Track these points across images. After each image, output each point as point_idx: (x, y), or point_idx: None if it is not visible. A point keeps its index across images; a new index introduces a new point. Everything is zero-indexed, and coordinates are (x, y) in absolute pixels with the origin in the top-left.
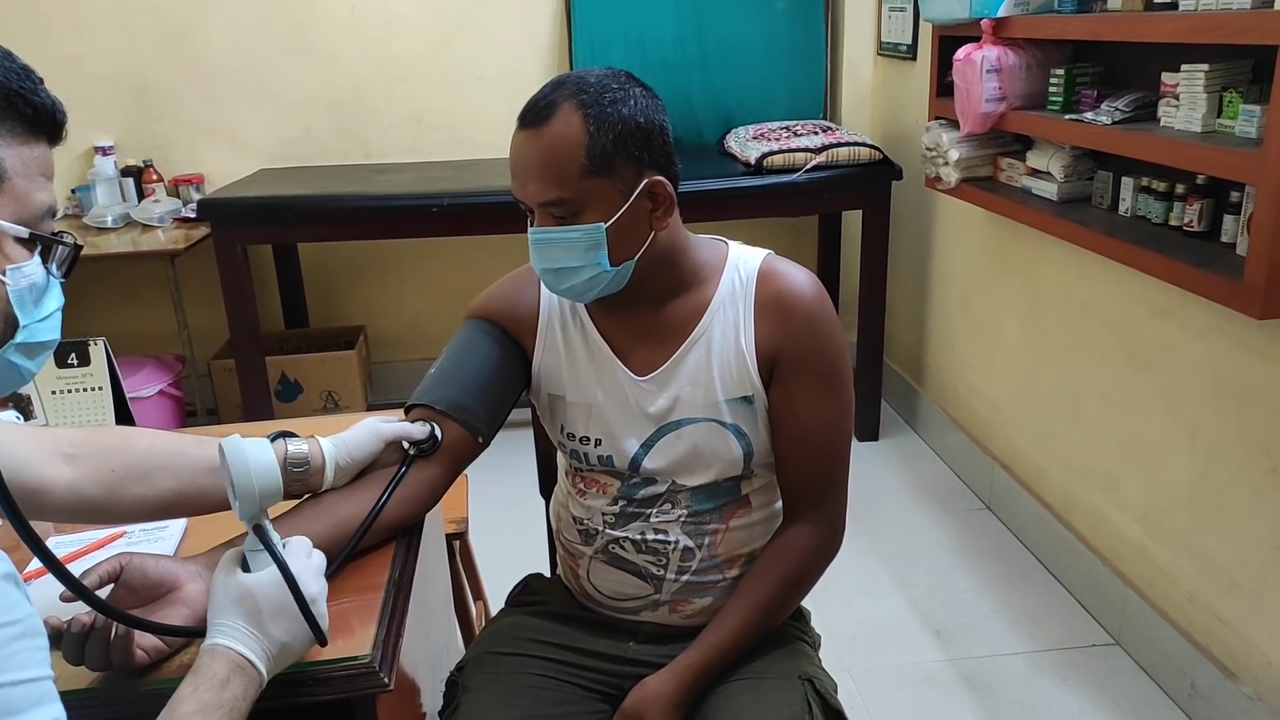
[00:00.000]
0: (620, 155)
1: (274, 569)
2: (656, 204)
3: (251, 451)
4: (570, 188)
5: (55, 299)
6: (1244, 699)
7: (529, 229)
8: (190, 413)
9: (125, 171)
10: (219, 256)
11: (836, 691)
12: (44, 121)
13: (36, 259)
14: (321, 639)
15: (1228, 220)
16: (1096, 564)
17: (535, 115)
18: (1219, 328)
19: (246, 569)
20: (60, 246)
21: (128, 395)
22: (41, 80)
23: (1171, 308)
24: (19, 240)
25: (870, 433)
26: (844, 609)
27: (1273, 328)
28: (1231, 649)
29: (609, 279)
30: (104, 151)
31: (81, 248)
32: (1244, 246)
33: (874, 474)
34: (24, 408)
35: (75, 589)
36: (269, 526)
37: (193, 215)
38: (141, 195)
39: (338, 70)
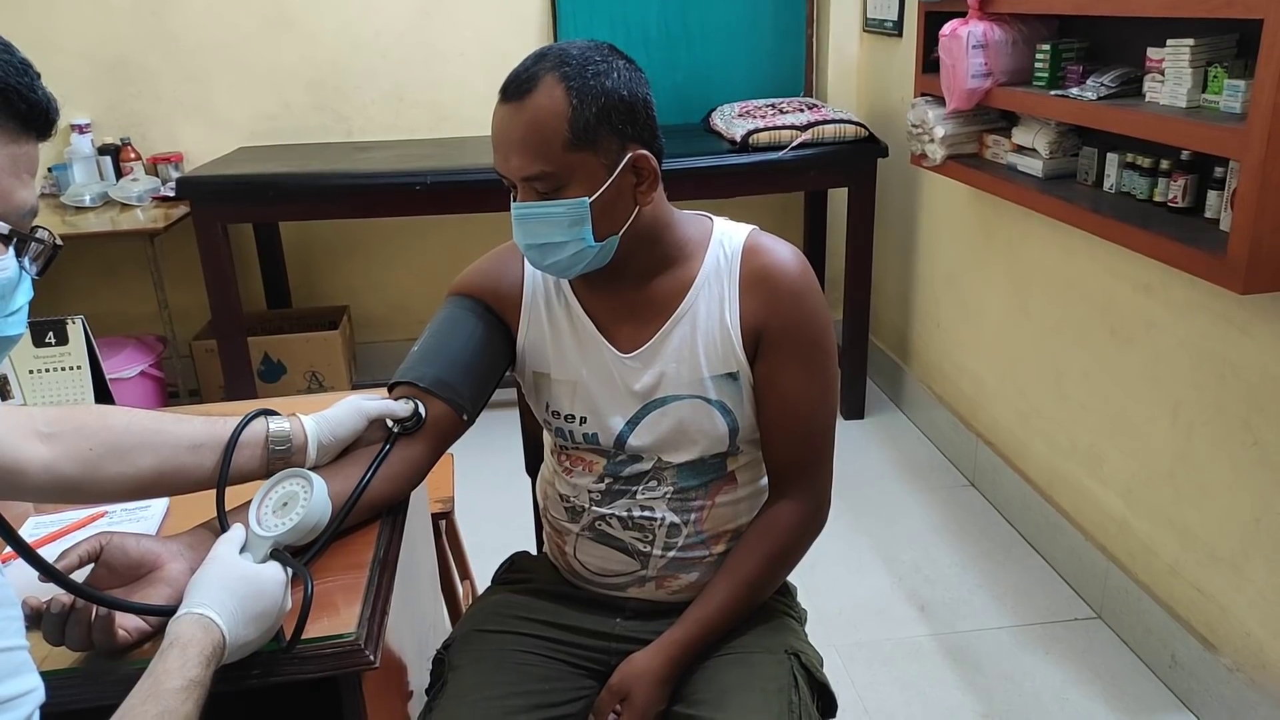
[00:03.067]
0: (604, 128)
1: (277, 566)
2: (641, 178)
3: (320, 488)
4: (553, 161)
5: (24, 294)
6: (1223, 670)
7: (512, 204)
8: (172, 394)
9: (102, 150)
10: (199, 236)
11: (822, 665)
12: (37, 119)
13: (11, 254)
14: (285, 646)
15: (1211, 196)
16: (1079, 538)
17: (517, 88)
18: (1201, 303)
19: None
20: (37, 243)
21: (108, 376)
22: (39, 75)
23: (1155, 284)
24: None
25: (856, 411)
26: (829, 585)
27: (1254, 303)
28: (1211, 621)
29: (593, 254)
30: (80, 129)
31: (61, 246)
32: (1227, 222)
33: (859, 452)
34: (1, 387)
35: (48, 572)
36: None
37: (172, 194)
38: (119, 174)
39: (317, 46)
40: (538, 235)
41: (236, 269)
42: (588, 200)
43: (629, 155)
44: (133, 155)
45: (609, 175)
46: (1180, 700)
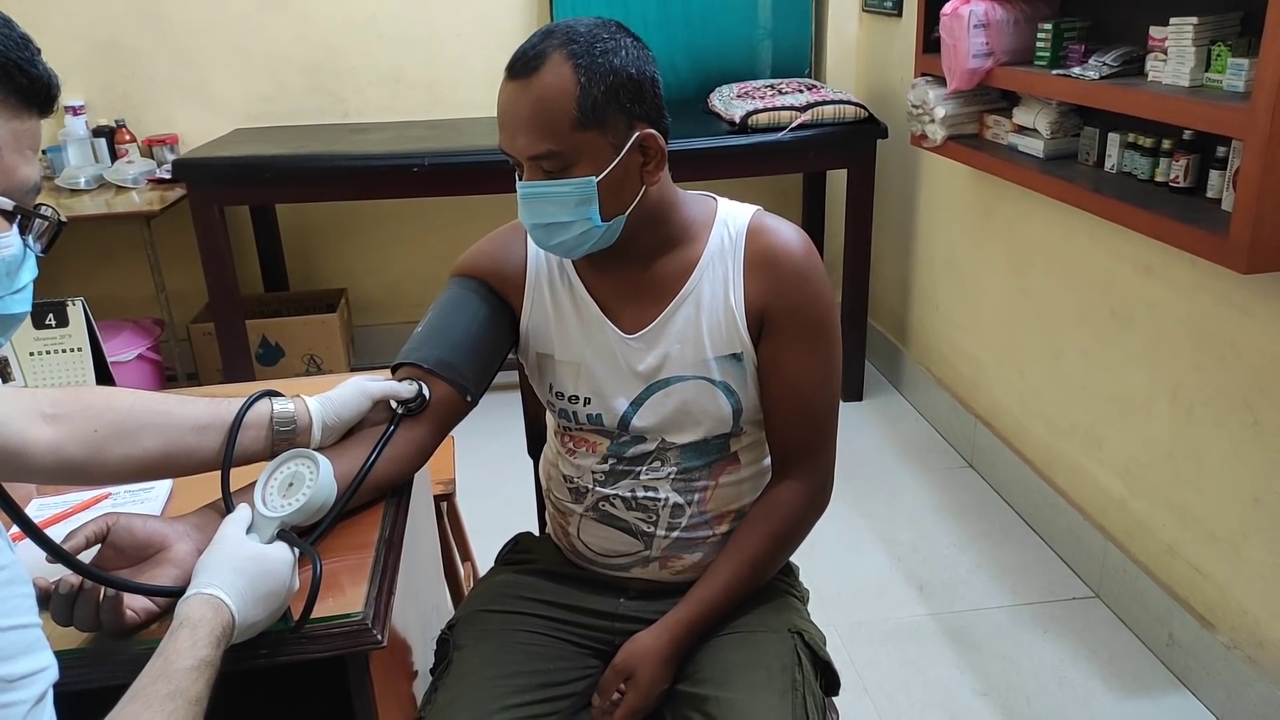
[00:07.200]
0: (612, 107)
1: (285, 546)
2: (648, 158)
3: (326, 469)
4: (560, 140)
5: (29, 271)
6: (1220, 648)
7: (518, 183)
8: (170, 377)
9: (97, 132)
10: (195, 218)
11: (825, 644)
12: (38, 94)
13: (15, 231)
14: (293, 626)
15: (1213, 176)
16: (1077, 518)
17: (524, 65)
18: (1202, 284)
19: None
20: (40, 220)
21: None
22: (39, 50)
23: (1155, 264)
24: (0, 212)
25: (854, 393)
26: (828, 566)
27: (1255, 283)
28: (1209, 599)
29: (600, 234)
30: (74, 111)
31: (65, 223)
32: (1229, 202)
33: (858, 434)
34: (2, 370)
35: (55, 553)
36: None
37: (168, 176)
38: (114, 156)
39: (313, 27)
40: (544, 215)
41: (233, 252)
42: (595, 179)
43: (636, 134)
44: (128, 137)
45: (616, 154)
46: (1178, 678)
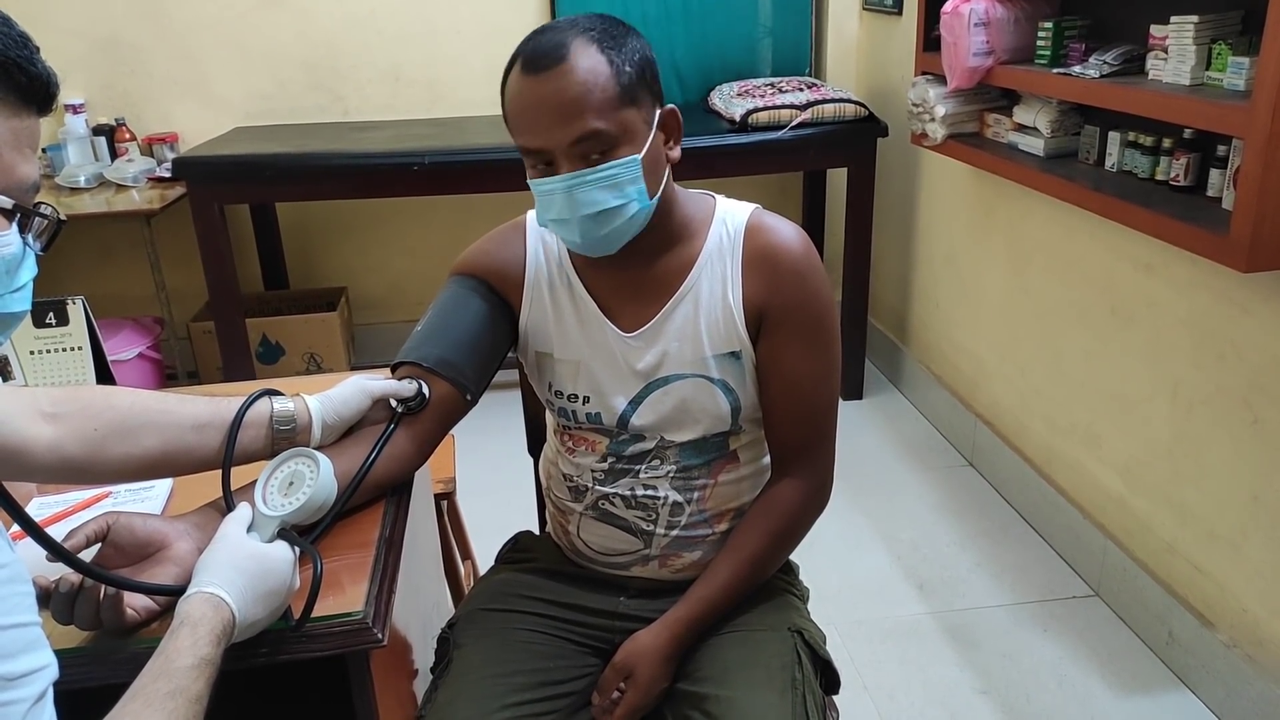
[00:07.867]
0: (641, 85)
1: (285, 545)
2: (668, 134)
3: (326, 467)
4: (607, 118)
5: (29, 270)
6: (1220, 646)
7: (555, 177)
8: (170, 376)
9: (97, 130)
10: (195, 216)
11: (825, 643)
12: (37, 93)
13: (14, 230)
14: (294, 624)
15: (1214, 174)
16: (1077, 517)
17: (549, 58)
18: (1202, 282)
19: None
20: (40, 219)
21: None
22: (38, 49)
23: (1156, 263)
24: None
25: (854, 391)
26: (828, 564)
27: (1255, 281)
28: (1209, 598)
29: (645, 216)
30: (74, 109)
31: (65, 221)
32: (1230, 200)
33: (858, 432)
34: (2, 368)
35: (56, 551)
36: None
37: (168, 174)
38: (114, 154)
39: (312, 24)
40: (594, 203)
41: (233, 250)
42: (638, 157)
43: (659, 111)
44: (127, 135)
45: (649, 131)
46: (1177, 676)
